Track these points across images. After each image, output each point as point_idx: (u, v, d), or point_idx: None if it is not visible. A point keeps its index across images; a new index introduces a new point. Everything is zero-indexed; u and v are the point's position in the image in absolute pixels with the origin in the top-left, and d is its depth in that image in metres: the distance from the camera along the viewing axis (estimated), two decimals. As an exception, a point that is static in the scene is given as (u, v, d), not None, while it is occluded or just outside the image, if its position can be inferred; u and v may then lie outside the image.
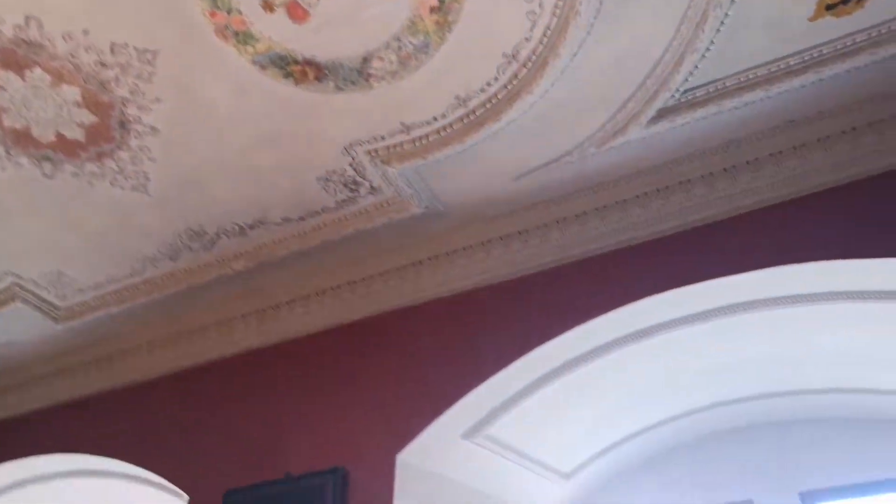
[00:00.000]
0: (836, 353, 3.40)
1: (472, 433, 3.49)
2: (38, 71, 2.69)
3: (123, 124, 2.91)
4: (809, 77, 2.74)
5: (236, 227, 3.51)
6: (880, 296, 2.93)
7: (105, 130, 2.93)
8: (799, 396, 3.72)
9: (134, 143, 2.99)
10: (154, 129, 2.93)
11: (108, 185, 3.21)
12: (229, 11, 2.46)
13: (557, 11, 2.44)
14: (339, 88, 2.77)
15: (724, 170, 3.11)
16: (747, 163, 3.07)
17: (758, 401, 3.78)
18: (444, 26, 2.52)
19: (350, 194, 3.33)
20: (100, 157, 3.07)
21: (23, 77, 2.72)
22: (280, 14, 2.46)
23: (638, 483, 4.08)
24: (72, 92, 2.78)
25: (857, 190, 2.93)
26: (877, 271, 2.82)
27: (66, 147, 3.02)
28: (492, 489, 3.81)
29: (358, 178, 3.23)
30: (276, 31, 2.52)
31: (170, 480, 3.79)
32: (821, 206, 2.96)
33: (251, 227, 3.51)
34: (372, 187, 3.28)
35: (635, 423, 3.90)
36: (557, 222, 3.45)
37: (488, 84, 2.75)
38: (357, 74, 2.71)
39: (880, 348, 3.30)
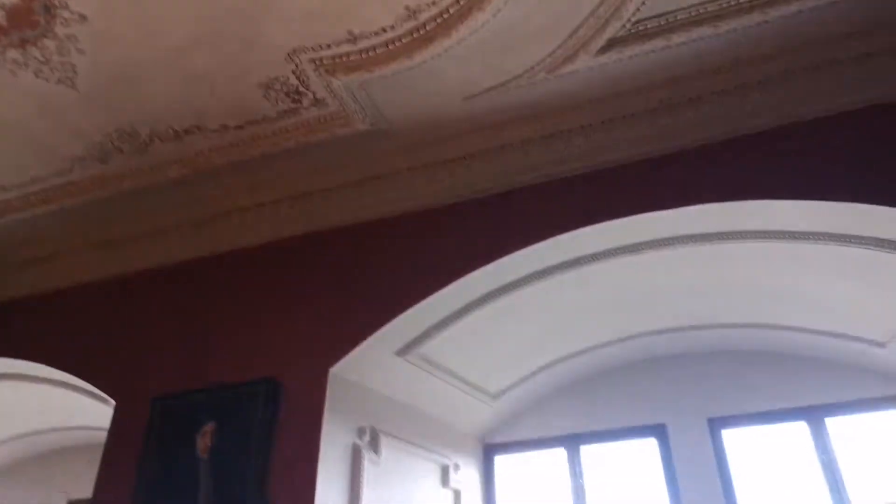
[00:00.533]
0: (752, 289, 3.58)
1: (405, 351, 3.56)
2: (-50, -60, 2.46)
3: (49, 9, 2.70)
4: (755, 17, 2.78)
5: (171, 132, 3.38)
6: (797, 236, 3.08)
7: (28, 14, 2.73)
8: (713, 330, 3.93)
9: (60, 30, 2.80)
10: (82, 17, 2.74)
11: (31, 75, 3.01)
12: None
13: (514, -75, 2.38)
14: (284, -10, 2.65)
15: (667, 106, 3.16)
16: (690, 100, 3.13)
17: (675, 332, 3.97)
18: (397, -69, 2.42)
19: (292, 105, 3.23)
20: (23, 43, 2.86)
21: (-67, -54, 2.49)
22: None
23: (559, 405, 4.28)
24: (-10, -32, 2.57)
25: (789, 133, 3.04)
26: (796, 213, 2.95)
27: (-15, 30, 2.81)
28: (423, 406, 3.92)
29: (301, 88, 3.13)
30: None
31: (96, 386, 3.75)
32: (753, 147, 3.06)
33: (187, 132, 3.38)
34: (315, 99, 3.19)
35: (560, 349, 4.06)
36: (502, 148, 3.46)
37: (440, -4, 2.68)
38: (304, -24, 2.59)
39: (793, 287, 3.50)
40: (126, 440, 3.48)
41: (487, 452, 4.34)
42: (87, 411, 4.38)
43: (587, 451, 4.17)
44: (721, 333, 3.95)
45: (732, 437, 3.90)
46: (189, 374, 3.54)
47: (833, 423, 3.74)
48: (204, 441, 3.34)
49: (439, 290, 3.32)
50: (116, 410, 3.62)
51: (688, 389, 4.01)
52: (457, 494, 3.97)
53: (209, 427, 3.33)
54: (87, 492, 3.65)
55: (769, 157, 3.01)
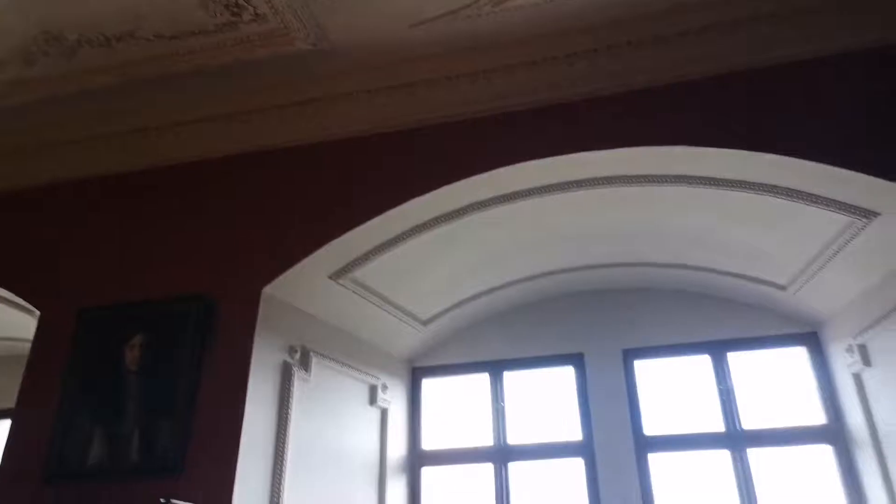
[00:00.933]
0: (670, 231, 3.79)
1: (338, 275, 3.62)
2: None
3: None
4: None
5: (101, 37, 3.23)
6: (718, 183, 3.26)
7: None
8: (632, 268, 4.14)
9: (-22, -83, 2.61)
10: None
11: (-54, -35, 2.81)
12: None
13: None
14: None
15: (607, 47, 3.24)
16: (628, 42, 3.21)
17: (596, 269, 4.16)
18: None
19: (231, 18, 3.13)
20: (-64, -72, 2.66)
21: None
22: None
23: (485, 333, 4.47)
24: None
25: (718, 82, 3.18)
26: (722, 162, 3.13)
27: None
28: (354, 328, 4.03)
29: (241, 1, 3.04)
30: None
31: (20, 296, 3.68)
32: (689, 94, 3.19)
33: (118, 38, 3.23)
34: (256, 14, 3.11)
35: (489, 281, 4.20)
36: (447, 79, 3.48)
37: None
38: None
39: (707, 231, 3.71)
40: (51, 352, 3.46)
41: (415, 375, 4.52)
42: (9, 322, 4.29)
43: (510, 376, 4.40)
44: (639, 271, 4.17)
45: (643, 367, 4.19)
46: (119, 286, 3.52)
47: (734, 357, 4.07)
48: (132, 354, 3.35)
49: (375, 216, 3.38)
50: (41, 321, 3.57)
51: (605, 322, 4.26)
52: (384, 413, 4.14)
53: (138, 340, 3.34)
54: (8, 402, 3.62)
55: (704, 105, 3.14)
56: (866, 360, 3.54)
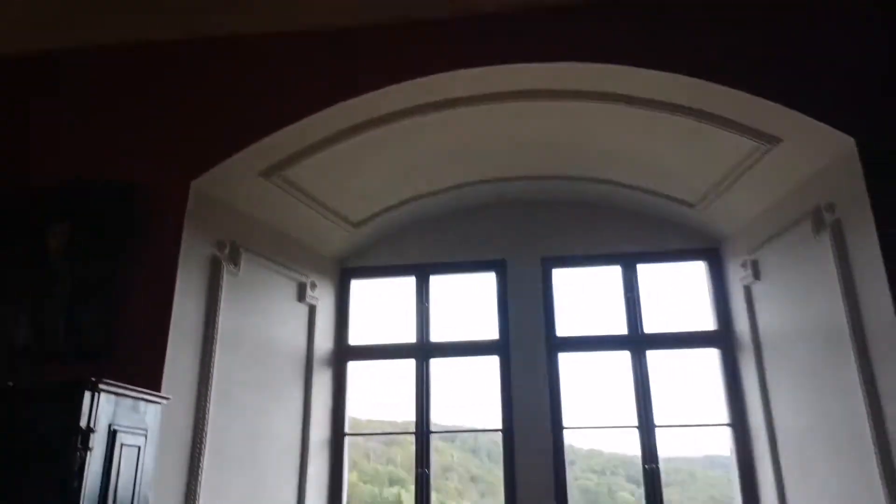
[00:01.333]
0: (591, 146, 3.95)
1: (270, 173, 3.65)
2: None
3: None
4: None
5: None
6: (641, 103, 3.42)
7: None
8: (555, 181, 4.32)
9: None
10: None
11: None
12: None
13: None
14: None
15: (544, -41, 3.26)
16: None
17: (522, 181, 4.32)
18: None
19: None
20: None
21: None
22: None
23: (414, 238, 4.61)
24: None
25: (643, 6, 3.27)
26: (641, 80, 3.27)
27: None
28: (285, 227, 4.09)
29: None
30: None
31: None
32: (614, 13, 3.28)
33: None
34: None
35: (419, 187, 4.31)
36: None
37: None
38: None
39: (626, 148, 3.90)
40: (-32, 236, 3.39)
41: (344, 275, 4.66)
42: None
43: (435, 280, 4.60)
44: (561, 185, 4.35)
45: (560, 275, 4.46)
46: (43, 171, 3.44)
47: (642, 269, 4.39)
48: (56, 241, 3.33)
49: (308, 115, 3.39)
50: (-44, 205, 3.47)
51: (527, 231, 4.47)
52: (312, 309, 4.29)
53: (62, 227, 3.31)
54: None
55: (631, 26, 3.25)
56: (757, 274, 3.91)
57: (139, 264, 3.25)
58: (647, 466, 4.01)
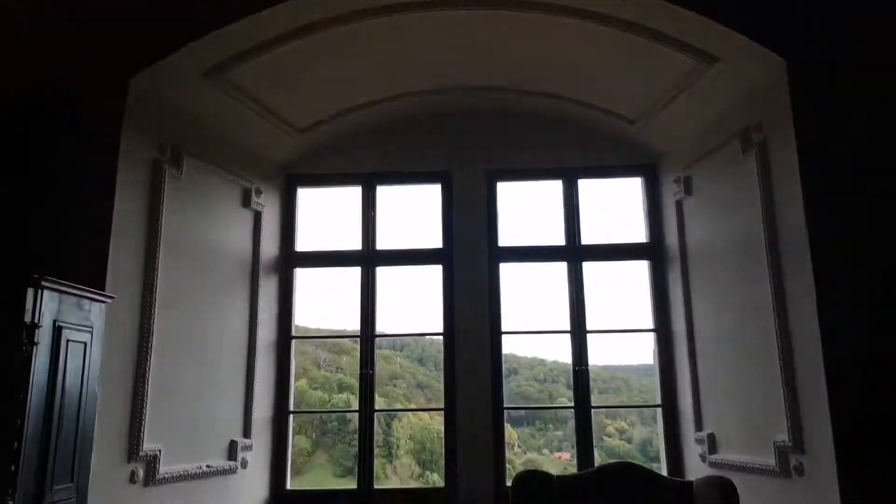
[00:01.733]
0: (538, 60, 3.97)
1: (213, 73, 3.56)
2: None
3: None
4: None
5: None
6: (584, 15, 3.43)
7: None
8: (502, 93, 4.33)
9: None
10: None
11: None
12: None
13: None
14: None
15: None
16: None
17: (468, 91, 4.31)
18: None
19: None
20: None
21: None
22: None
23: (360, 147, 4.59)
24: None
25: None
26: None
27: None
28: (229, 132, 4.03)
29: None
30: None
31: None
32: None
33: None
34: None
35: (366, 95, 4.26)
36: None
37: None
38: None
39: (570, 62, 3.93)
40: None
41: (290, 181, 4.65)
42: None
43: (382, 190, 4.65)
44: (507, 97, 4.36)
45: (504, 188, 4.57)
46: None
47: (583, 183, 4.53)
48: (-11, 139, 3.24)
49: (250, 13, 3.29)
50: None
51: (473, 144, 4.52)
52: (257, 215, 4.31)
53: (-5, 124, 3.21)
54: None
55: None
56: (688, 190, 4.10)
57: (76, 169, 3.19)
58: (577, 368, 4.30)
